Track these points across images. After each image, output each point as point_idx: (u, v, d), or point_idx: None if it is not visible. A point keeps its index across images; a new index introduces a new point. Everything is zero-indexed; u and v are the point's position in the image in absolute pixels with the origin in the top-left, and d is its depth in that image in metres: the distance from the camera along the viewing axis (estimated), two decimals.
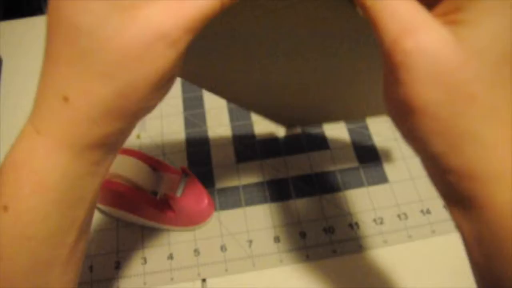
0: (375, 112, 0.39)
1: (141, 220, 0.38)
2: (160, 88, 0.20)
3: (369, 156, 0.43)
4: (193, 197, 0.38)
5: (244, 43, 0.27)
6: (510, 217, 0.16)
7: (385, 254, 0.38)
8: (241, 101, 0.39)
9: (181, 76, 0.31)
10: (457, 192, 0.18)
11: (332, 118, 0.42)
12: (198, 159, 0.43)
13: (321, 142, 0.44)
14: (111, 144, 0.21)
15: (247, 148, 0.44)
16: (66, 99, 0.19)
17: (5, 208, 0.19)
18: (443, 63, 0.16)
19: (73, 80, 0.19)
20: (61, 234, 0.21)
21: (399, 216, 0.40)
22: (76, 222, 0.21)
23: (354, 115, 0.42)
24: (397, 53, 0.17)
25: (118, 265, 0.37)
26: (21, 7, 0.80)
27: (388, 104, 0.19)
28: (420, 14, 0.17)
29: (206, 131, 0.45)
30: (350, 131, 0.45)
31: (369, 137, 0.45)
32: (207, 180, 0.42)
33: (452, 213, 0.19)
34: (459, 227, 0.19)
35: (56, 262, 0.21)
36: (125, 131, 0.21)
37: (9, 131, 0.46)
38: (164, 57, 0.18)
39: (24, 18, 0.56)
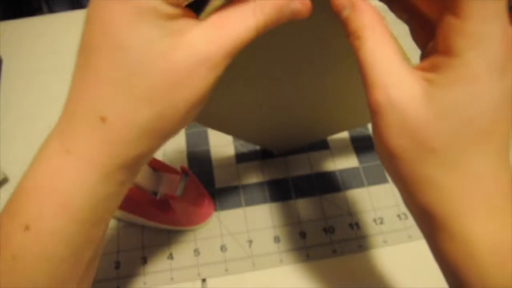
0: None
1: (141, 220, 0.38)
2: (195, 109, 0.20)
3: (369, 156, 0.43)
4: (193, 197, 0.38)
5: (252, 68, 0.27)
6: (465, 254, 0.18)
7: (385, 254, 0.38)
8: (241, 132, 0.38)
9: None
10: (424, 223, 0.20)
11: (336, 131, 0.42)
12: (198, 159, 0.43)
13: (321, 142, 0.44)
14: (139, 164, 0.21)
15: (247, 148, 0.44)
16: (103, 119, 0.19)
17: (27, 227, 0.19)
18: (409, 119, 0.18)
19: (114, 101, 0.19)
20: (80, 253, 0.21)
21: (399, 216, 0.40)
22: (94, 241, 0.21)
23: (355, 124, 0.42)
24: (372, 102, 0.19)
25: (118, 265, 0.37)
26: (21, 7, 0.80)
27: (374, 144, 0.21)
28: (397, 68, 0.19)
29: (206, 131, 0.45)
30: (350, 131, 0.45)
31: (369, 137, 0.45)
32: (207, 180, 0.42)
33: (424, 238, 0.21)
34: (431, 251, 0.21)
35: (73, 280, 0.21)
36: (155, 151, 0.21)
37: (9, 131, 0.46)
38: (205, 80, 0.19)
39: (24, 18, 0.56)
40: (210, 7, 0.21)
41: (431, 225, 0.19)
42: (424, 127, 0.18)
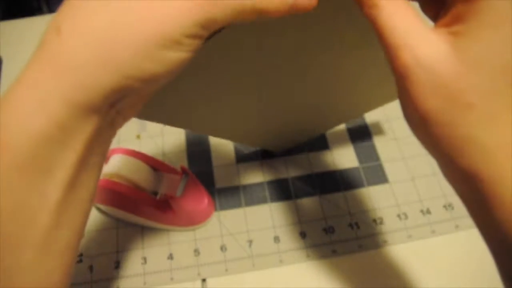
0: (369, 107, 0.39)
1: (141, 220, 0.38)
2: (163, 53, 0.18)
3: (369, 156, 0.43)
4: (193, 197, 0.38)
5: (250, 69, 0.27)
6: None
7: (385, 254, 0.38)
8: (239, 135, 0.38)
9: (162, 120, 0.30)
10: (468, 191, 0.19)
11: (332, 125, 0.42)
12: (198, 159, 0.43)
13: (321, 142, 0.44)
14: (87, 108, 0.18)
15: (247, 148, 0.44)
16: (58, 30, 0.18)
17: None
18: (440, 75, 0.17)
19: (78, 8, 0.18)
20: (29, 210, 0.19)
21: (399, 216, 0.40)
22: (46, 199, 0.19)
23: (351, 116, 0.42)
24: (399, 66, 0.18)
25: (118, 265, 0.37)
26: (21, 7, 0.80)
27: (404, 112, 0.20)
28: (419, 28, 0.18)
29: None
30: (350, 131, 0.45)
31: (369, 137, 0.45)
32: (207, 180, 0.42)
33: (468, 211, 0.20)
34: (476, 224, 0.20)
35: (27, 244, 0.19)
36: (106, 91, 0.18)
37: None
38: (181, 17, 0.17)
39: (24, 18, 0.56)
40: None
41: (477, 192, 0.18)
42: (457, 82, 0.17)
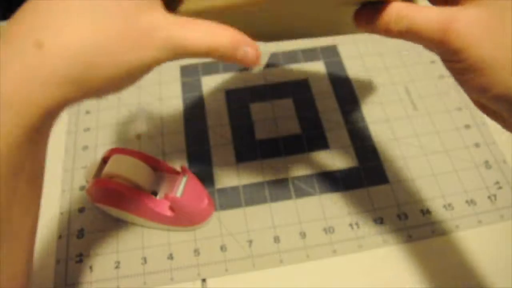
0: None
1: (141, 220, 0.38)
2: (129, 76, 0.20)
3: (369, 156, 0.43)
4: (193, 197, 0.38)
5: None
6: None
7: (385, 254, 0.38)
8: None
9: None
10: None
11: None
12: (198, 159, 0.43)
13: (321, 142, 0.44)
14: (57, 113, 0.20)
15: (247, 148, 0.44)
16: (39, 44, 0.18)
17: None
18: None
19: (61, 19, 0.19)
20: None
21: (399, 216, 0.40)
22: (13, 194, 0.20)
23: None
24: (452, 40, 0.21)
25: (118, 265, 0.37)
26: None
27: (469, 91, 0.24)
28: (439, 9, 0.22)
29: (206, 131, 0.45)
30: (350, 131, 0.45)
31: (369, 137, 0.45)
32: (207, 180, 0.42)
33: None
34: None
35: None
36: (67, 101, 0.20)
37: None
38: (150, 49, 0.20)
39: None
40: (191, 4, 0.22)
41: None
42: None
